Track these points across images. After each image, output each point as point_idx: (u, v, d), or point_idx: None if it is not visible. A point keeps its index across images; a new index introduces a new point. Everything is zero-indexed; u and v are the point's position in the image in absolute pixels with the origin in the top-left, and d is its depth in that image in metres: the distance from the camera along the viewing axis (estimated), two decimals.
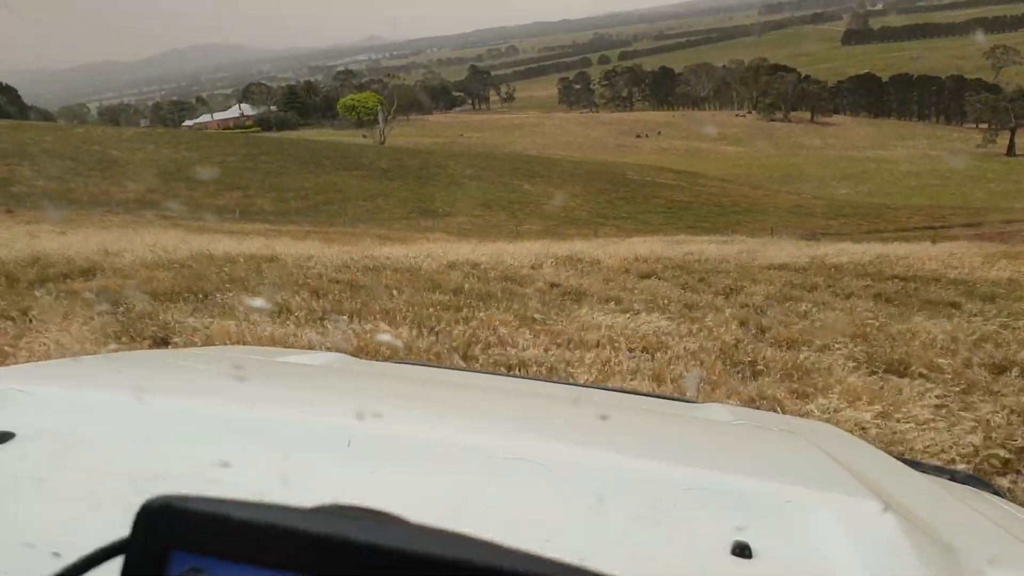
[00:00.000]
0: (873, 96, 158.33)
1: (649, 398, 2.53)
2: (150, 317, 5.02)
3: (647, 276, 8.68)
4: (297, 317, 5.13)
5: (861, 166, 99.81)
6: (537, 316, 5.59)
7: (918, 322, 6.25)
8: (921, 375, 4.70)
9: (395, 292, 6.56)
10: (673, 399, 3.51)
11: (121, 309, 5.23)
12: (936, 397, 4.33)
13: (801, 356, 4.95)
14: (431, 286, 7.00)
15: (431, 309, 5.69)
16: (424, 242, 16.98)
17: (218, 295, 5.83)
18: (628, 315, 5.75)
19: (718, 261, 11.10)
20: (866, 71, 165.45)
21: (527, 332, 5.17)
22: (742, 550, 0.97)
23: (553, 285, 7.26)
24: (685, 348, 4.97)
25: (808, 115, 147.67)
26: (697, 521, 1.03)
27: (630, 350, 4.82)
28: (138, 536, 0.50)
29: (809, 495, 1.09)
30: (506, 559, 0.47)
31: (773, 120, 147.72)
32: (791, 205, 58.05)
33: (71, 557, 0.69)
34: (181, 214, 30.93)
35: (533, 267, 8.57)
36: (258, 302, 5.51)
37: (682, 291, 7.66)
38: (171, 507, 0.50)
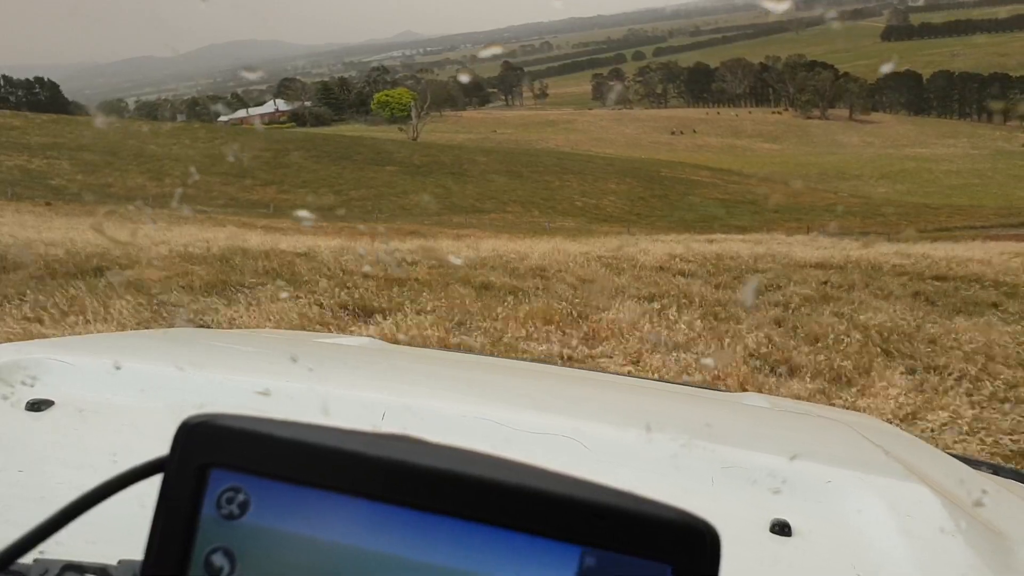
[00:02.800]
0: (913, 93, 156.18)
1: (686, 387, 2.53)
2: (183, 308, 5.06)
3: (681, 274, 8.57)
4: (325, 310, 5.12)
5: (900, 165, 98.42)
6: (571, 312, 5.53)
7: (959, 323, 6.10)
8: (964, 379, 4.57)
9: (426, 289, 6.53)
10: (710, 388, 3.51)
11: (154, 301, 5.26)
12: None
13: (836, 357, 4.84)
14: (462, 282, 6.96)
15: (461, 303, 5.66)
16: (456, 239, 16.98)
17: (251, 289, 5.83)
18: (660, 313, 5.67)
19: (753, 260, 10.95)
20: (906, 68, 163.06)
21: (556, 330, 5.11)
22: (782, 528, 0.99)
23: (585, 280, 7.20)
24: (714, 347, 4.88)
25: (846, 112, 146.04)
26: (735, 499, 1.03)
27: (656, 350, 4.75)
28: (176, 453, 0.51)
29: (851, 477, 1.10)
30: (532, 477, 0.47)
31: (810, 117, 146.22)
32: (828, 204, 57.37)
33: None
34: (215, 209, 31.23)
35: (566, 264, 8.51)
36: (286, 295, 5.52)
37: (712, 290, 7.55)
38: (210, 424, 0.50)
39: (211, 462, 0.50)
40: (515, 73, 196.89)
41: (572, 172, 62.14)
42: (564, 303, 6.12)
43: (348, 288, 6.02)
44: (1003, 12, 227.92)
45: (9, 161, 38.41)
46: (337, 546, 0.49)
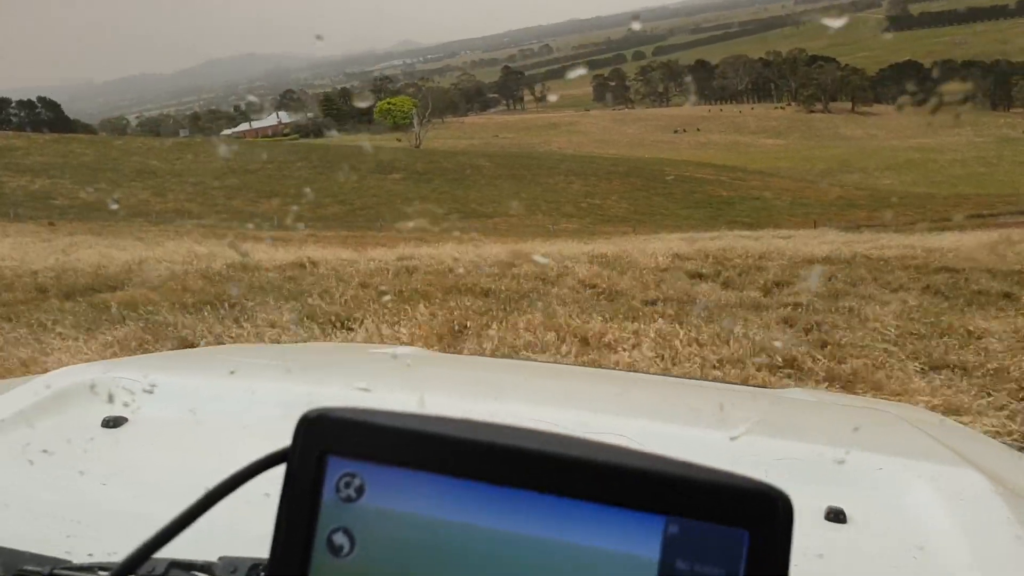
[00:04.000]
0: (916, 84, 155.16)
1: (728, 384, 2.66)
2: (174, 327, 4.93)
3: (686, 275, 8.42)
4: (322, 324, 5.00)
5: (905, 155, 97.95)
6: (569, 320, 5.38)
7: (971, 318, 5.93)
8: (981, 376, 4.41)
9: (425, 297, 6.39)
10: (752, 386, 3.48)
11: (143, 321, 5.15)
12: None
13: (848, 356, 4.68)
14: (463, 289, 6.83)
15: (459, 312, 5.52)
16: (460, 243, 16.88)
17: (245, 304, 5.71)
18: (662, 318, 5.52)
19: (759, 256, 10.79)
20: (907, 59, 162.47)
21: (554, 336, 4.97)
22: (836, 515, 1.02)
23: (587, 285, 7.06)
24: (720, 353, 4.73)
25: (848, 105, 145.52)
26: (790, 489, 0.98)
27: (660, 356, 4.60)
28: (298, 443, 0.55)
29: (903, 464, 1.12)
30: (634, 459, 0.51)
31: (813, 111, 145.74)
32: (834, 197, 57.07)
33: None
34: (218, 223, 31.19)
35: (567, 266, 8.36)
36: (282, 310, 5.40)
37: (721, 290, 7.40)
38: (327, 416, 0.55)
39: (329, 450, 0.55)
40: (515, 77, 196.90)
41: (575, 174, 62.00)
42: (565, 308, 5.99)
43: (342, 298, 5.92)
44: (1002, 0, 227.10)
45: (12, 182, 38.48)
46: (445, 523, 0.53)
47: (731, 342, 4.85)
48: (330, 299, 5.93)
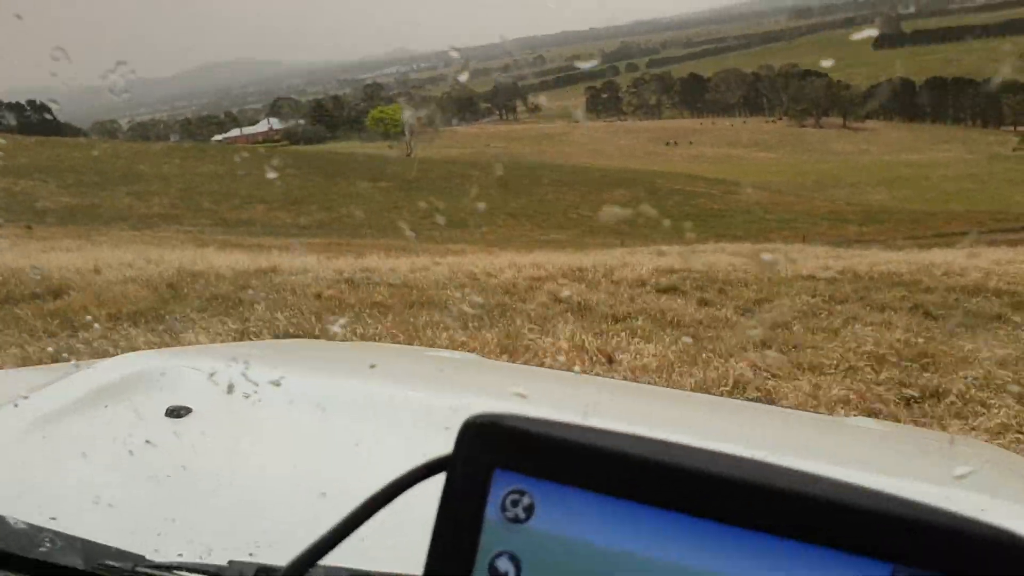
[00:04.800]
0: (907, 100, 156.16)
1: (790, 410, 2.51)
2: (103, 339, 4.58)
3: (663, 290, 8.06)
4: (260, 337, 4.64)
5: (896, 171, 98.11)
6: (528, 339, 5.03)
7: (961, 343, 5.59)
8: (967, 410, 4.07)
9: (379, 312, 6.03)
10: (809, 412, 3.26)
11: (67, 332, 4.78)
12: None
13: (822, 384, 4.34)
14: (423, 302, 6.46)
15: (413, 331, 5.17)
16: (442, 254, 16.50)
17: (185, 314, 5.35)
18: (630, 337, 5.18)
19: (743, 272, 10.46)
20: (899, 75, 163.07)
21: (507, 359, 4.63)
22: None
23: (557, 300, 6.71)
24: (691, 379, 4.39)
25: (840, 120, 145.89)
26: None
27: (624, 379, 4.27)
28: (461, 452, 0.50)
29: (1006, 506, 1.07)
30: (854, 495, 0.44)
31: (805, 126, 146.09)
32: (824, 212, 56.93)
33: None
34: (201, 229, 30.76)
35: (540, 279, 8.00)
36: (223, 322, 5.03)
37: (698, 307, 7.05)
38: (496, 425, 0.50)
39: (496, 463, 0.49)
40: (508, 87, 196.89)
41: (566, 185, 61.76)
42: (527, 324, 5.63)
43: (288, 311, 5.54)
44: (995, 17, 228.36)
45: None
46: (627, 555, 0.47)
47: (699, 364, 4.52)
48: (274, 311, 5.56)
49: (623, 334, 5.19)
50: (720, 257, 13.52)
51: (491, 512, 0.49)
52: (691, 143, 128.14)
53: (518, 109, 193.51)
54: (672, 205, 57.72)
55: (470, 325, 5.50)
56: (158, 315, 5.28)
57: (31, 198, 36.79)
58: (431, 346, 4.82)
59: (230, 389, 1.39)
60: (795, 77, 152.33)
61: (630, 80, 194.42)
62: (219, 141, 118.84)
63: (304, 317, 5.34)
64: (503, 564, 0.48)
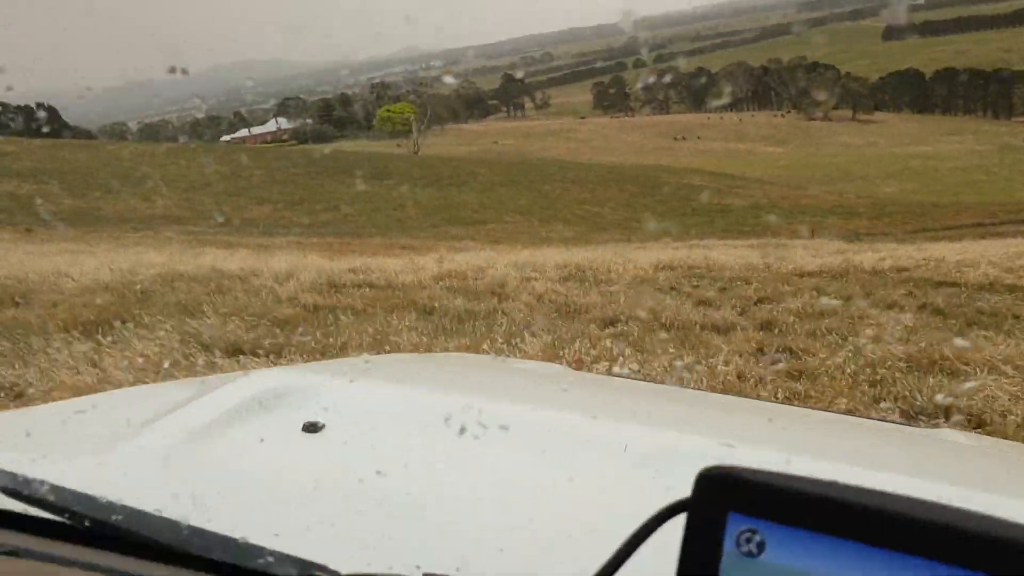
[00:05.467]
0: (917, 92, 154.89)
1: (858, 418, 2.48)
2: (40, 353, 4.30)
3: (661, 288, 7.76)
4: (211, 352, 4.36)
5: (905, 163, 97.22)
6: (502, 347, 4.72)
7: (974, 341, 5.26)
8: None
9: (356, 316, 5.73)
10: (887, 421, 3.15)
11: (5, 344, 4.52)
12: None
13: (824, 393, 4.03)
14: (405, 305, 6.16)
15: (382, 337, 4.88)
16: (444, 251, 16.21)
17: (137, 325, 5.06)
18: (618, 341, 4.87)
19: (747, 268, 10.12)
20: (908, 67, 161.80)
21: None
22: None
23: (546, 300, 6.41)
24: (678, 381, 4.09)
25: (849, 113, 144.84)
26: None
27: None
28: (700, 497, 0.58)
29: None
30: None
31: (813, 119, 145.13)
32: (833, 205, 56.34)
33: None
34: (205, 229, 30.54)
35: (531, 278, 7.69)
36: (171, 333, 4.74)
37: (696, 306, 6.73)
38: (730, 476, 0.58)
39: (730, 507, 0.57)
40: (516, 84, 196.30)
41: (573, 181, 61.31)
42: (516, 327, 5.33)
43: (250, 318, 5.25)
44: (1006, 7, 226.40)
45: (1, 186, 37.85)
46: None
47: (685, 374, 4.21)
48: (238, 319, 5.27)
49: (607, 341, 4.87)
50: (724, 253, 13.21)
51: (727, 546, 0.57)
52: (699, 138, 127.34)
53: (526, 106, 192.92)
54: (679, 201, 57.20)
55: (448, 328, 5.21)
56: (111, 324, 5.00)
57: (35, 201, 36.62)
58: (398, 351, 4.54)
59: (365, 403, 1.43)
60: (803, 70, 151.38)
61: (637, 76, 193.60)
62: (228, 141, 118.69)
63: (263, 325, 5.05)
64: None
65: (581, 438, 1.28)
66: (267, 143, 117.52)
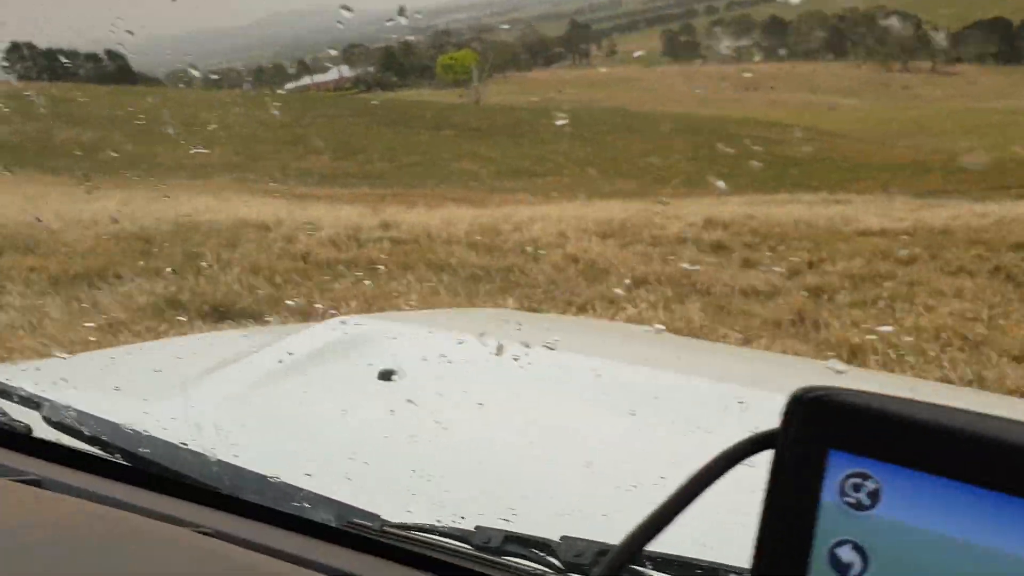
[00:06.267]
0: (1003, 42, 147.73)
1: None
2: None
3: (707, 248, 7.22)
4: (191, 312, 4.03)
5: (988, 118, 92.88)
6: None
7: None
8: None
9: (373, 272, 5.36)
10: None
11: None
12: None
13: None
14: (422, 262, 5.77)
15: (385, 300, 4.50)
16: (494, 205, 15.81)
17: (139, 278, 4.77)
18: (641, 307, 4.41)
19: (806, 226, 9.51)
20: (994, 15, 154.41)
21: None
22: None
23: (574, 260, 5.95)
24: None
25: (929, 64, 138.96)
26: None
27: None
28: (790, 429, 0.47)
29: None
30: None
31: (890, 71, 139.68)
32: (908, 161, 54.19)
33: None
34: (259, 177, 30.66)
35: (566, 235, 7.22)
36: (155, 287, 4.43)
37: (737, 269, 6.20)
38: (830, 400, 0.46)
39: (831, 443, 0.46)
40: (582, 31, 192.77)
41: (636, 131, 60.12)
42: (532, 291, 4.89)
43: (257, 273, 4.91)
44: None
45: (62, 134, 38.34)
46: (994, 553, 0.40)
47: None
48: (242, 274, 4.93)
49: (630, 307, 4.40)
50: (785, 209, 12.51)
51: (828, 496, 0.45)
52: (771, 88, 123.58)
53: (592, 53, 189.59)
54: (747, 154, 55.66)
55: (456, 289, 4.81)
56: (103, 276, 4.71)
57: (96, 148, 37.06)
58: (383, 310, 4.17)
59: (437, 354, 1.44)
60: (881, 19, 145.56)
61: (708, 23, 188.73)
62: (290, 90, 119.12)
63: (259, 282, 4.71)
64: (846, 554, 0.44)
65: (657, 387, 1.30)
66: (329, 91, 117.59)
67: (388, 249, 6.23)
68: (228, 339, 1.72)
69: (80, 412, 0.99)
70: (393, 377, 1.37)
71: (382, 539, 0.86)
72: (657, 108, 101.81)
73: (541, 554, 0.79)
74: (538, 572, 0.80)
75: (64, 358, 1.69)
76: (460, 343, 1.48)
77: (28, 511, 0.84)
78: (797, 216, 10.51)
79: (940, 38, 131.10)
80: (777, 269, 6.10)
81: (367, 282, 4.91)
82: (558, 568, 0.78)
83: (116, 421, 0.99)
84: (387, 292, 4.71)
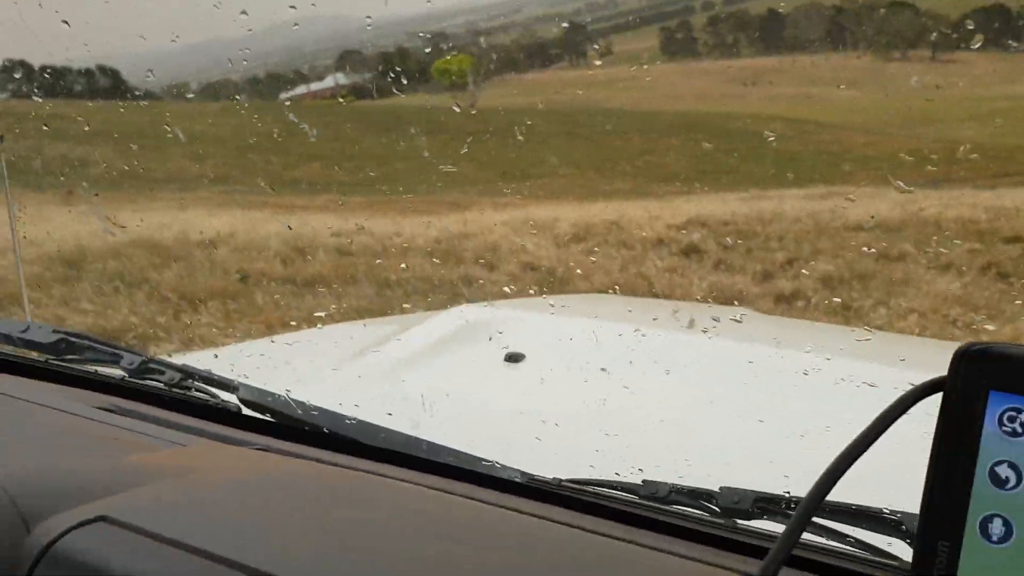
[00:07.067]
0: (1004, 29, 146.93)
1: None
2: None
3: (680, 249, 6.79)
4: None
5: (990, 105, 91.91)
6: None
7: None
8: None
9: (291, 289, 4.96)
10: None
11: None
12: None
13: None
14: (362, 276, 5.37)
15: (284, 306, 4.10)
16: (478, 210, 15.54)
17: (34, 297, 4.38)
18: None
19: (793, 221, 9.09)
20: (993, 1, 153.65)
21: None
22: None
23: (531, 268, 5.54)
24: None
25: (928, 54, 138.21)
26: None
27: None
28: (957, 375, 0.57)
29: None
30: None
31: (890, 61, 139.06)
32: (908, 150, 53.50)
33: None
34: (247, 189, 30.34)
35: (528, 243, 6.80)
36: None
37: (712, 270, 5.78)
38: (990, 351, 0.56)
39: (992, 384, 0.55)
40: (580, 32, 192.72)
41: (635, 130, 59.59)
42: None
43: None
44: None
45: (52, 150, 38.12)
46: None
47: None
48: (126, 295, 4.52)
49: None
50: (778, 204, 12.10)
51: (988, 426, 0.55)
52: (770, 83, 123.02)
53: (589, 54, 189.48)
54: (746, 150, 55.09)
55: (396, 305, 4.40)
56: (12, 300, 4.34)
57: (86, 164, 36.64)
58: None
59: (560, 337, 1.55)
60: (880, 9, 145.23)
61: (705, 19, 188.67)
62: (287, 99, 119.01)
63: (169, 303, 4.32)
64: (1004, 471, 0.55)
65: (820, 349, 1.39)
66: (325, 99, 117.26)
67: (332, 263, 5.84)
68: (360, 328, 1.86)
69: (272, 392, 1.12)
70: (520, 358, 1.44)
71: (559, 491, 0.96)
72: (656, 106, 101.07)
73: (702, 502, 0.87)
74: (700, 518, 0.88)
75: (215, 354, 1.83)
76: (654, 319, 1.62)
77: (261, 471, 0.97)
78: (788, 211, 10.10)
79: (940, 26, 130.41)
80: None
81: (288, 302, 4.53)
82: (717, 514, 0.86)
83: (300, 399, 1.12)
84: (299, 314, 4.32)
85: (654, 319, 1.68)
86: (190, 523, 0.84)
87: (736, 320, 2.08)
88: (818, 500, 0.60)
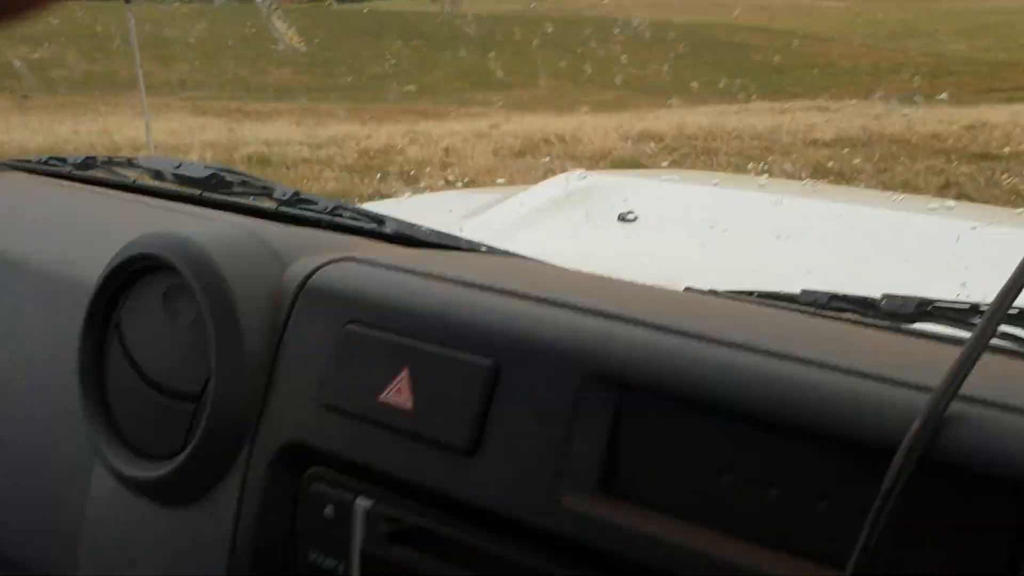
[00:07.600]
0: None
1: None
2: None
3: (623, 162, 6.45)
4: None
5: (980, 19, 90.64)
6: None
7: None
8: None
9: None
10: None
11: None
12: None
13: None
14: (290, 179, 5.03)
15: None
16: (455, 117, 15.07)
17: None
18: None
19: (752, 137, 8.71)
20: None
21: None
22: None
23: (458, 184, 5.23)
24: None
25: None
26: None
27: None
28: None
29: None
30: None
31: None
32: (894, 64, 52.65)
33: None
34: (215, 94, 29.38)
35: (467, 156, 6.45)
36: None
37: None
38: None
39: None
40: None
41: (617, 40, 58.30)
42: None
43: None
44: None
45: (13, 51, 36.68)
46: None
47: None
48: None
49: None
50: (746, 118, 11.69)
51: None
52: None
53: None
54: (730, 61, 53.98)
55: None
56: None
57: (48, 66, 35.46)
58: None
59: (664, 200, 1.57)
60: None
61: None
62: (263, 1, 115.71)
63: None
64: None
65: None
66: (304, 3, 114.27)
67: (273, 174, 5.51)
68: (467, 195, 1.90)
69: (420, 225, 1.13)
70: (633, 219, 1.45)
71: (716, 297, 0.94)
72: (640, 14, 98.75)
73: (863, 308, 0.83)
74: (861, 322, 0.84)
75: None
76: (702, 191, 1.67)
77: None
78: (753, 126, 9.71)
79: None
80: None
81: None
82: (882, 316, 0.83)
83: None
84: None
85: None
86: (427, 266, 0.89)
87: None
88: (1016, 292, 0.50)
